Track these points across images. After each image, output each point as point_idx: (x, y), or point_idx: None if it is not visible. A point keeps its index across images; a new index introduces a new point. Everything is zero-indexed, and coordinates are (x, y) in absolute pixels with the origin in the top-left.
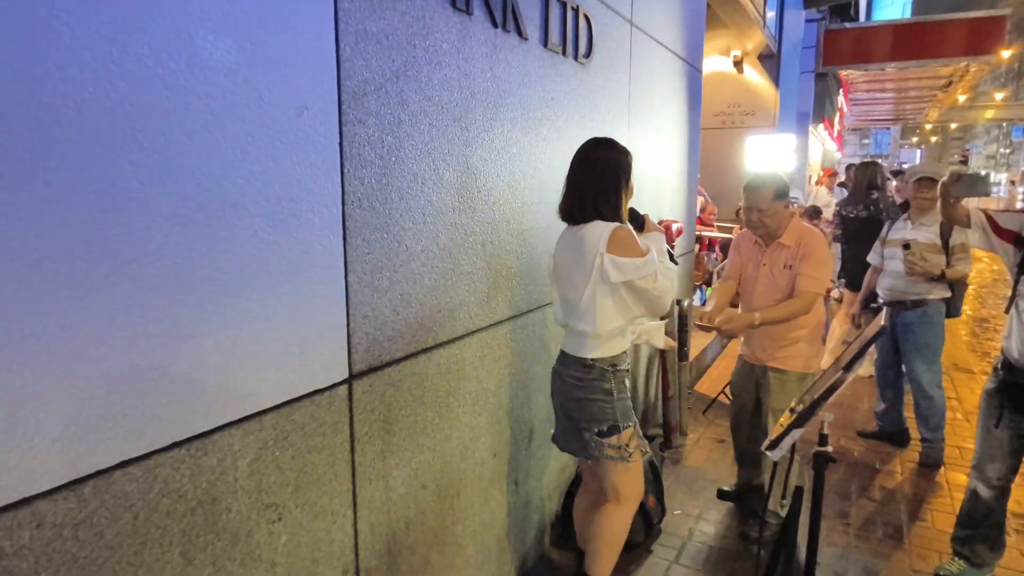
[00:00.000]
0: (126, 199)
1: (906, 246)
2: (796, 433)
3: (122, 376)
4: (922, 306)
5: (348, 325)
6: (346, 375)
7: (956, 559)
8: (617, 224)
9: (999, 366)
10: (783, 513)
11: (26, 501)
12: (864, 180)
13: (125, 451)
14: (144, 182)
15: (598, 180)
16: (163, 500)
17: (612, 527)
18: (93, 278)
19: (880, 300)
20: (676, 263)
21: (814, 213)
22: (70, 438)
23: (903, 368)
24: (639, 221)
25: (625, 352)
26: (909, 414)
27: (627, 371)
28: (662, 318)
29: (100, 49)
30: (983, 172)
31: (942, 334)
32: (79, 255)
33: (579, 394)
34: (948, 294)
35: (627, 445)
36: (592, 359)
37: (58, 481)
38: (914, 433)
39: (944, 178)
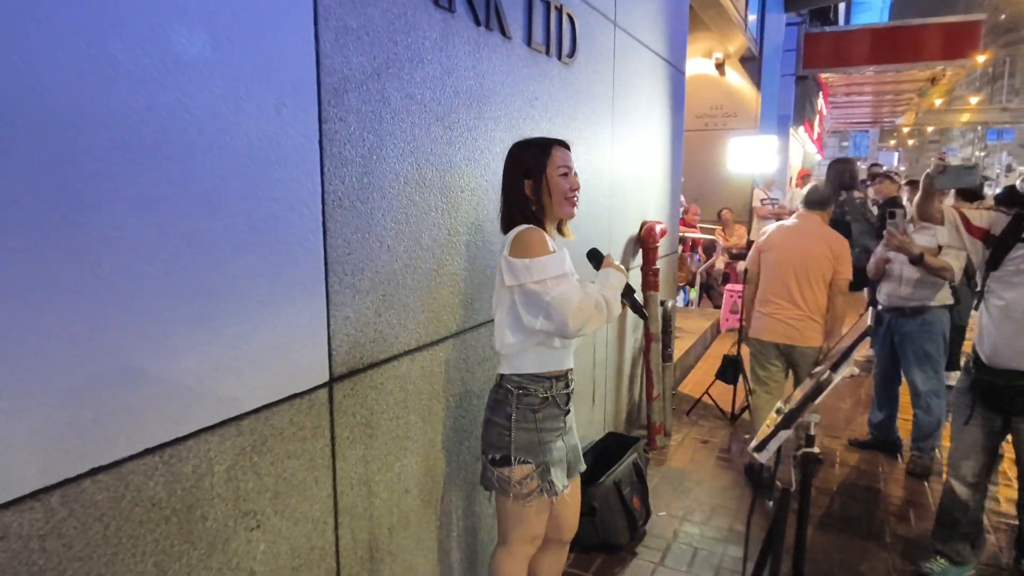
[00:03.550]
0: (98, 198)
1: (891, 215)
2: (783, 435)
3: (92, 380)
4: (921, 314)
5: (329, 327)
6: (327, 378)
7: (937, 557)
8: (525, 226)
9: (970, 364)
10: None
11: None
12: (836, 180)
13: (95, 458)
14: (117, 181)
15: (504, 185)
16: (136, 509)
17: (495, 571)
18: (63, 278)
19: (879, 307)
20: (641, 313)
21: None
22: (37, 446)
23: (901, 377)
24: (597, 260)
25: (549, 377)
26: (902, 422)
27: (546, 399)
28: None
29: (71, 45)
30: (973, 162)
31: (944, 343)
32: (49, 255)
33: (487, 412)
34: (951, 301)
35: (521, 482)
36: (501, 375)
37: (23, 491)
38: (905, 436)
39: (929, 169)
